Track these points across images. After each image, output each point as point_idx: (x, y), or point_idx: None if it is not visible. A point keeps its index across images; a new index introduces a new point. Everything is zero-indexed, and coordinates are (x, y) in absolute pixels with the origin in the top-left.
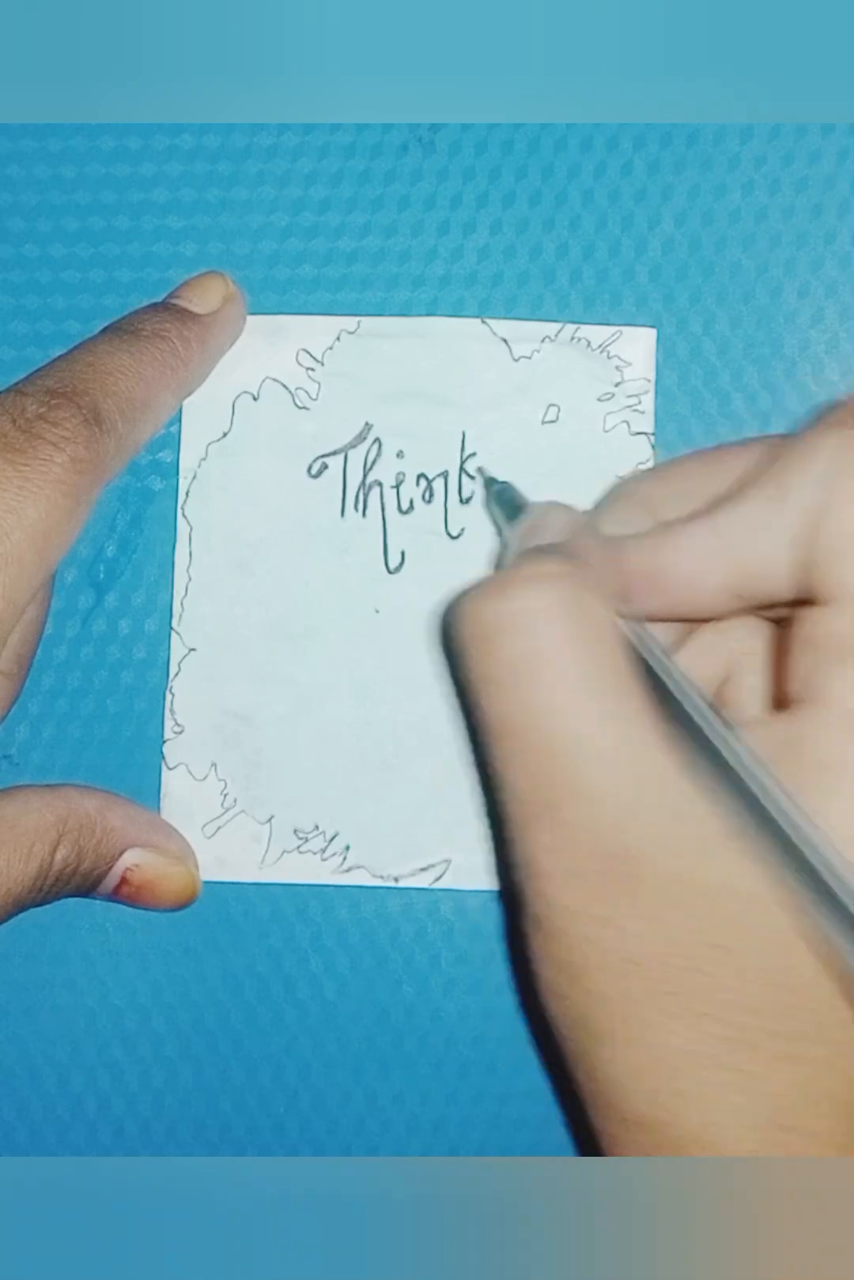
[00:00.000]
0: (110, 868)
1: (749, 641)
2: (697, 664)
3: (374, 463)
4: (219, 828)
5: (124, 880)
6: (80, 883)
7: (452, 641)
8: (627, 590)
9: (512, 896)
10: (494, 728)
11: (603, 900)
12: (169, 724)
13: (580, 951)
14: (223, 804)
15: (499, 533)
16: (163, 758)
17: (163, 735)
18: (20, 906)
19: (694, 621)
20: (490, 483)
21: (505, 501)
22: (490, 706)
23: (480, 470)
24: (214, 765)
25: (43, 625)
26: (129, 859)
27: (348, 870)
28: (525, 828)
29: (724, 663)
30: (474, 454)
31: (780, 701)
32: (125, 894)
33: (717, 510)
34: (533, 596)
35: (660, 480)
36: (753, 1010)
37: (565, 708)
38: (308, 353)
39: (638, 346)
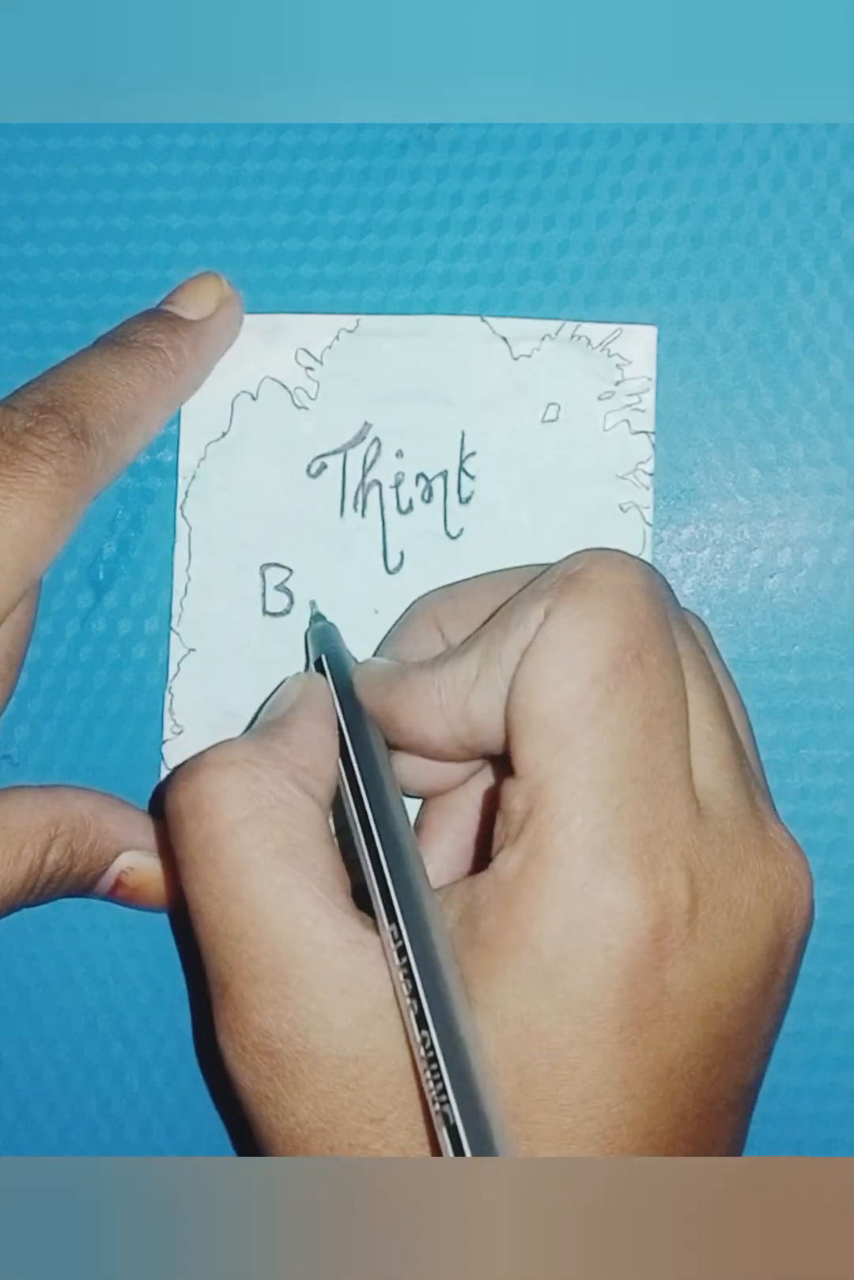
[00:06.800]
0: (104, 870)
1: None
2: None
3: (373, 462)
4: None
5: (119, 882)
6: (74, 884)
7: None
8: (383, 726)
9: None
10: (190, 906)
11: (268, 1080)
12: (168, 724)
13: (256, 1125)
14: None
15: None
16: (162, 758)
17: (162, 735)
18: (11, 907)
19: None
20: (316, 618)
21: (319, 639)
22: (185, 886)
23: (312, 604)
24: None
25: (31, 629)
26: (124, 862)
27: None
28: (212, 1005)
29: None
30: (474, 453)
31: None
32: (121, 896)
33: (441, 662)
34: (208, 782)
35: (451, 601)
36: None
37: (237, 890)
38: (307, 352)
39: (639, 344)
